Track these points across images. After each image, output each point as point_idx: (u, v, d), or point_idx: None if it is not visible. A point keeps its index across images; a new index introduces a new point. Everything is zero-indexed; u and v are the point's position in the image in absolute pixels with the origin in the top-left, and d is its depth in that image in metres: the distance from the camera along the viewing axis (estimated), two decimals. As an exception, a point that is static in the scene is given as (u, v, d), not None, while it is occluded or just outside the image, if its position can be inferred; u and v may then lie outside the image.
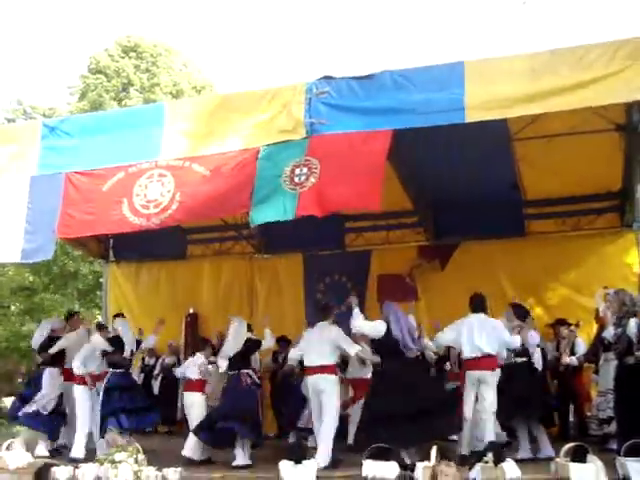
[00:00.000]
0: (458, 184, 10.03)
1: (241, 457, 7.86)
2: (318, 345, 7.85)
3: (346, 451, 7.93)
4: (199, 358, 8.93)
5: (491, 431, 7.34)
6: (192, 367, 8.90)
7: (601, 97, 6.03)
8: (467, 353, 7.60)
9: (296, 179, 6.56)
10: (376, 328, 7.63)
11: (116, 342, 9.04)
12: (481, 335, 7.55)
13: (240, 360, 8.40)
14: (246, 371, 8.39)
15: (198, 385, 8.85)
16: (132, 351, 9.25)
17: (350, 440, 8.56)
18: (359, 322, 7.69)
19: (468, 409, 7.48)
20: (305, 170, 6.55)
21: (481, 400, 7.46)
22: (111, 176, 7.47)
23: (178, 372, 9.60)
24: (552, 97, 6.08)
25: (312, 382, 7.84)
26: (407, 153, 8.78)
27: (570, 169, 9.51)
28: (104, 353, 9.02)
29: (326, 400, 7.70)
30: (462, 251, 11.60)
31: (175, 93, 23.66)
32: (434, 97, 6.40)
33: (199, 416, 8.53)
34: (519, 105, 6.21)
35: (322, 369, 7.73)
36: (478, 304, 7.84)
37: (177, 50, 25.82)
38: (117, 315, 9.94)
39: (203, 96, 21.80)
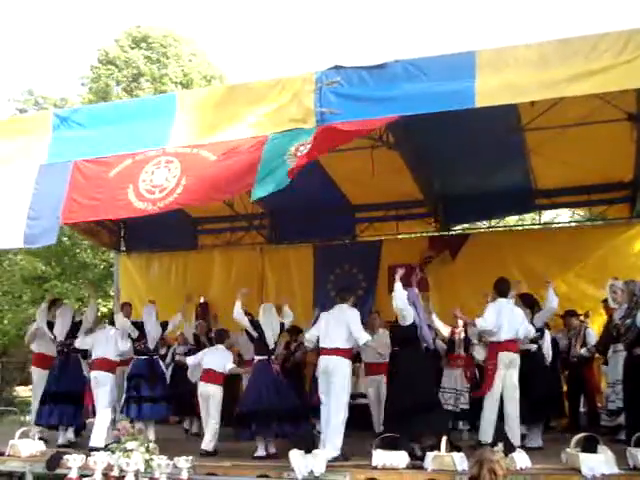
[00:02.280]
0: (468, 174, 10.02)
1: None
2: (334, 327, 7.62)
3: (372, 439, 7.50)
4: (221, 350, 8.70)
5: (516, 411, 7.42)
6: (212, 357, 8.58)
7: (612, 84, 5.98)
8: (504, 335, 7.59)
9: (298, 154, 6.50)
10: (411, 313, 7.50)
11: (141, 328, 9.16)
12: (512, 319, 7.63)
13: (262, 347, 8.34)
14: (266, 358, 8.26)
15: (219, 377, 8.50)
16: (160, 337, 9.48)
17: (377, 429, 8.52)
18: (403, 300, 7.47)
19: (497, 390, 7.51)
20: (309, 146, 6.47)
21: (509, 383, 7.54)
22: (118, 163, 7.41)
23: (190, 360, 9.06)
24: (563, 84, 6.05)
25: (324, 363, 7.60)
26: (417, 144, 8.78)
27: (582, 159, 9.49)
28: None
29: (335, 383, 7.45)
30: (472, 242, 11.62)
31: (185, 83, 23.65)
32: (445, 86, 6.37)
33: (217, 410, 8.37)
34: (530, 91, 6.18)
35: (336, 351, 7.51)
36: (504, 289, 7.90)
37: (188, 39, 25.72)
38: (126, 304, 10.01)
39: (214, 86, 21.74)
